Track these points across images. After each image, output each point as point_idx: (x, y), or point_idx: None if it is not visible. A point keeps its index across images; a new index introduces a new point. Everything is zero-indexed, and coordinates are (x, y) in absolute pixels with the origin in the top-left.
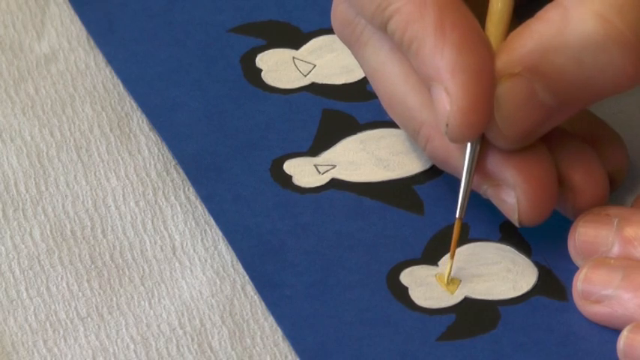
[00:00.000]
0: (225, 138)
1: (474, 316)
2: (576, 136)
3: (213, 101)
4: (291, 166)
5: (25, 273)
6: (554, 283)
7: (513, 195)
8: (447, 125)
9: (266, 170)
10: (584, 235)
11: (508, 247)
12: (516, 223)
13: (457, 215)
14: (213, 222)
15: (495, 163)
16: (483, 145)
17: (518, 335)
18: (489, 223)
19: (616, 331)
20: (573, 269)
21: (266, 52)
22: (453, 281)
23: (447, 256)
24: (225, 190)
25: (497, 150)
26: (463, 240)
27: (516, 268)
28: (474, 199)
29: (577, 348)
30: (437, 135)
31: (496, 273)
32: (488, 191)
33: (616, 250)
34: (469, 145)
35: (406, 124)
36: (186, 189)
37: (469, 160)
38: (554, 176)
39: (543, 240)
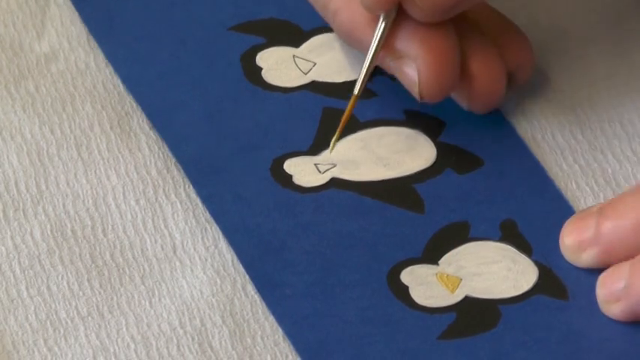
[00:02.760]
0: (225, 137)
1: (474, 314)
2: (480, 30)
3: (213, 100)
4: (291, 166)
5: (26, 272)
6: (554, 282)
7: (415, 67)
8: None
9: (266, 170)
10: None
11: (508, 247)
12: (417, 97)
13: (355, 92)
14: (213, 220)
15: (401, 37)
16: (394, 19)
17: (519, 334)
18: (489, 223)
19: (615, 331)
20: (573, 268)
21: (266, 50)
22: (450, 278)
23: (448, 255)
24: (226, 189)
25: (406, 24)
26: (463, 239)
27: (517, 267)
28: (474, 198)
29: (577, 346)
30: (344, 8)
31: (496, 272)
32: (391, 64)
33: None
34: (381, 17)
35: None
36: (187, 187)
37: (379, 31)
38: (455, 52)
39: (544, 239)
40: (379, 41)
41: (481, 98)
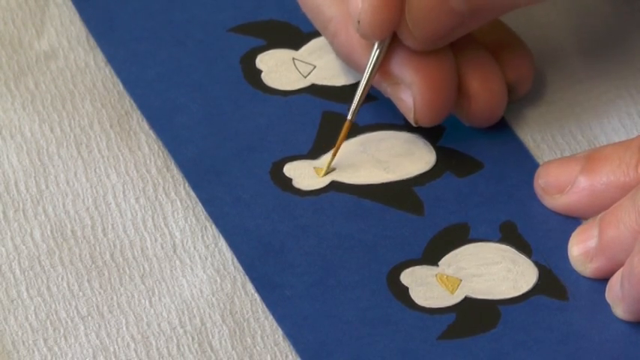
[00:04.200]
0: (225, 140)
1: (474, 315)
2: (479, 44)
3: (213, 103)
4: (291, 169)
5: (26, 273)
6: (554, 282)
7: (410, 94)
8: (359, 22)
9: (266, 173)
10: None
11: (508, 247)
12: (413, 122)
13: (349, 117)
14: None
15: (397, 63)
16: (389, 45)
17: (519, 334)
18: (489, 224)
19: (615, 332)
20: (573, 269)
21: (266, 52)
22: (450, 279)
23: (447, 256)
24: (225, 192)
25: (401, 51)
26: (463, 241)
27: (516, 268)
28: (474, 200)
29: (577, 347)
30: (342, 30)
31: (496, 273)
32: (388, 89)
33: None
34: (375, 44)
35: (316, 19)
36: (187, 185)
37: (373, 59)
38: (451, 79)
39: (543, 240)
40: (373, 68)
41: (481, 116)
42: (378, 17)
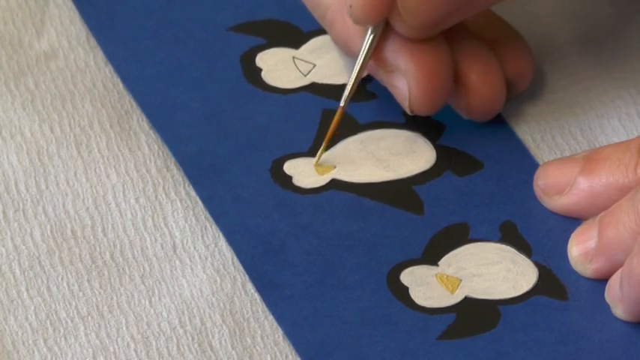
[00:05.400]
0: (225, 138)
1: (474, 315)
2: (478, 37)
3: (213, 101)
4: (291, 167)
5: (26, 273)
6: (554, 282)
7: (405, 82)
8: (351, 7)
9: (266, 171)
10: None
11: (508, 247)
12: (408, 111)
13: (341, 104)
14: (213, 220)
15: (392, 50)
16: (384, 32)
17: (519, 334)
18: (489, 224)
19: (615, 332)
20: (573, 269)
21: (266, 51)
22: (450, 279)
23: (447, 256)
24: (226, 190)
25: (396, 38)
26: (463, 240)
27: (516, 268)
28: (474, 200)
29: (577, 347)
30: (339, 19)
31: (496, 273)
32: (383, 77)
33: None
34: (369, 30)
35: (314, 8)
36: (187, 185)
37: (366, 44)
38: (447, 67)
39: (543, 240)
40: (366, 54)
41: (480, 109)
42: (370, 2)
